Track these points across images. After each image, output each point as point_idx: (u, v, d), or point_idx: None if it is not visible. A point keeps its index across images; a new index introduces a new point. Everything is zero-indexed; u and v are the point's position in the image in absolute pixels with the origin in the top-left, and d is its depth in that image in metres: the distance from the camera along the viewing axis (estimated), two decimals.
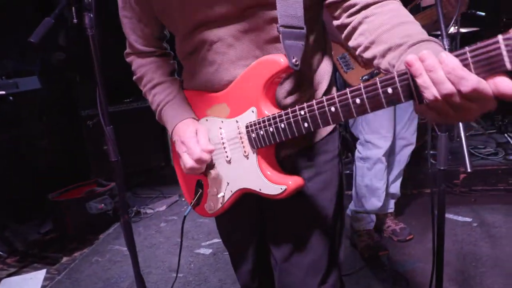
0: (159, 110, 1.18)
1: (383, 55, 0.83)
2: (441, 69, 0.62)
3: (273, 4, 0.93)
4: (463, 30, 3.61)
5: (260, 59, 0.98)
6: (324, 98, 0.83)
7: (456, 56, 0.62)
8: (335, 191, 1.17)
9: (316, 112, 0.85)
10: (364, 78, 2.18)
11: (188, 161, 1.06)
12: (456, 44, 3.46)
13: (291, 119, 0.90)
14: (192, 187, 1.26)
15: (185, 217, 1.29)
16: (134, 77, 1.25)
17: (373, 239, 2.58)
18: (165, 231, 3.31)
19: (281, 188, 1.00)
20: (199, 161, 1.05)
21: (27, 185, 3.64)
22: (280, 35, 0.93)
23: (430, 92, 0.64)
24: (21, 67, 3.81)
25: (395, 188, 2.66)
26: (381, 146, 2.41)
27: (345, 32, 0.96)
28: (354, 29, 0.92)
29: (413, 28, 0.83)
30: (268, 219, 1.22)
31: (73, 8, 1.26)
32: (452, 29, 3.28)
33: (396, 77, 0.70)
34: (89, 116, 4.14)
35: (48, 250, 3.13)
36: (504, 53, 0.58)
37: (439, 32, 1.34)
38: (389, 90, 0.71)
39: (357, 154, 2.57)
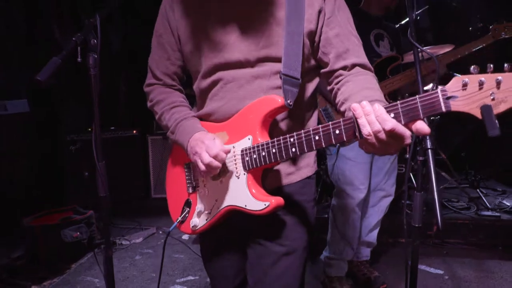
0: (177, 123, 1.33)
1: (350, 108, 1.06)
2: (373, 114, 0.91)
3: (280, 59, 1.21)
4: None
5: (262, 97, 1.20)
6: (311, 128, 1.05)
7: (386, 107, 0.91)
8: (305, 230, 1.33)
9: (303, 139, 1.06)
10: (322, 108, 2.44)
11: (206, 157, 1.17)
12: None
13: (282, 145, 1.11)
14: (180, 205, 1.39)
15: (168, 233, 1.43)
16: (151, 103, 1.43)
17: (342, 285, 2.62)
18: (140, 265, 3.26)
19: (265, 204, 1.14)
20: (216, 157, 1.17)
21: (0, 206, 3.55)
22: (282, 80, 1.19)
23: (366, 129, 0.92)
24: (8, 86, 3.81)
25: (372, 237, 2.73)
26: (355, 197, 2.50)
27: (333, 93, 1.27)
28: (338, 90, 1.23)
29: (373, 93, 1.12)
30: (247, 248, 1.36)
31: (79, 48, 1.33)
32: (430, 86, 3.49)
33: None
34: (73, 141, 4.14)
35: (17, 277, 3.03)
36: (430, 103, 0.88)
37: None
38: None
39: (332, 202, 2.65)
